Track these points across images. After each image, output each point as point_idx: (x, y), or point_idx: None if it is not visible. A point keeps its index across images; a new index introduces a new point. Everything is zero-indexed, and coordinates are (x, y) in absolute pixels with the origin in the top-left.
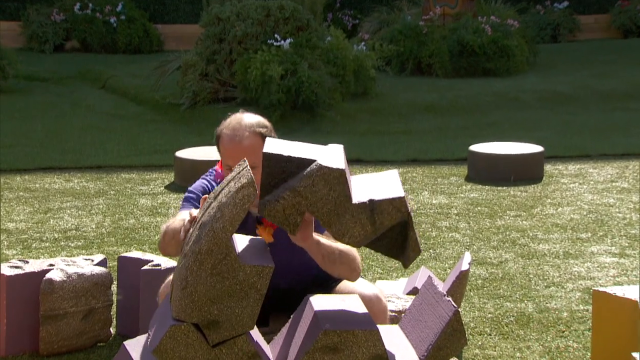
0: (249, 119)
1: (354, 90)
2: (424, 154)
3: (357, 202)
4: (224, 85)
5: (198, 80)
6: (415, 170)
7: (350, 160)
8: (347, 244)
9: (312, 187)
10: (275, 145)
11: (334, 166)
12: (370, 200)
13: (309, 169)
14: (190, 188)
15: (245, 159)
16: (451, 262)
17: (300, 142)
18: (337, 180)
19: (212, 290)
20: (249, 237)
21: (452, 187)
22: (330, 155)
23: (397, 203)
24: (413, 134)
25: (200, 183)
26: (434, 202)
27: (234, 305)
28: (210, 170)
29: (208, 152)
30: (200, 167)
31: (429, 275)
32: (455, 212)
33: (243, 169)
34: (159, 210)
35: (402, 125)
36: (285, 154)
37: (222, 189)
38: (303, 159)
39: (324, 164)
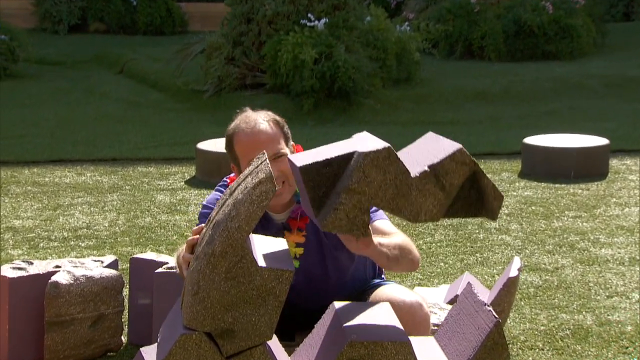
0: (259, 112)
1: (396, 76)
2: (472, 147)
3: (417, 174)
4: (252, 70)
5: (223, 64)
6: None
7: None
8: (425, 221)
9: (366, 179)
10: (303, 157)
11: (378, 147)
12: (431, 166)
13: (353, 162)
14: (204, 202)
15: (264, 151)
16: (500, 267)
17: (330, 138)
18: (387, 160)
19: (227, 296)
20: (268, 237)
21: (504, 184)
22: (364, 141)
23: (459, 157)
24: (461, 124)
25: (214, 196)
26: None
27: (250, 313)
28: (224, 179)
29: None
30: (224, 161)
31: (468, 282)
32: (506, 212)
33: (261, 162)
34: (178, 208)
35: (450, 114)
36: (321, 158)
37: (239, 185)
38: (342, 155)
39: (366, 149)
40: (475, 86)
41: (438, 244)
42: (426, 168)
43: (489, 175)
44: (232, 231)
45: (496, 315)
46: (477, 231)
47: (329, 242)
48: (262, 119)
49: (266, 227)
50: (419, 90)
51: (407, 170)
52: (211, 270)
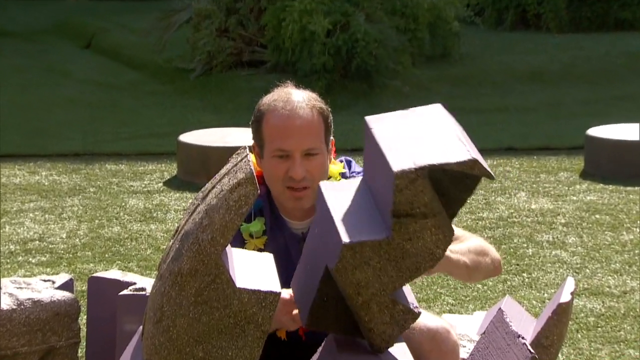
0: (303, 92)
1: (430, 52)
2: (523, 140)
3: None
4: (250, 44)
5: (215, 37)
6: (511, 163)
7: None
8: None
9: (413, 197)
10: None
11: (405, 165)
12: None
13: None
14: None
15: (246, 147)
16: (552, 291)
17: (346, 129)
18: (416, 176)
19: (197, 325)
20: (249, 252)
21: (561, 186)
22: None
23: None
24: (510, 111)
25: None
26: (533, 206)
27: (226, 346)
28: None
29: (226, 136)
30: (214, 157)
31: (499, 309)
32: (563, 221)
33: (241, 159)
34: (155, 215)
35: (496, 99)
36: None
37: (213, 187)
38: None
39: (396, 168)
40: (529, 64)
41: None
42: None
43: (542, 176)
44: (203, 244)
45: (532, 350)
46: (525, 245)
47: None
48: (304, 102)
49: (279, 236)
50: (458, 69)
51: (441, 163)
52: (178, 292)
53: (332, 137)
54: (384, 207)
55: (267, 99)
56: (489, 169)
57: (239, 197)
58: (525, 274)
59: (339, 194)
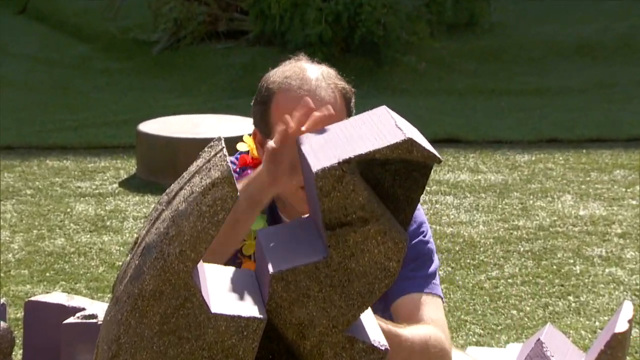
0: (320, 67)
1: (452, 20)
2: (568, 131)
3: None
4: (227, 10)
5: (183, 1)
6: (553, 158)
7: (439, 141)
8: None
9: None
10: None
11: (326, 163)
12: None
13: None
14: None
15: (221, 138)
16: (606, 318)
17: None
18: (342, 173)
19: (162, 359)
20: (227, 268)
21: (617, 187)
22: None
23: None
24: (552, 94)
25: None
26: (581, 213)
27: None
28: (235, 156)
29: (198, 125)
30: (183, 152)
31: (538, 340)
32: (619, 231)
33: (216, 153)
34: (108, 224)
35: (534, 79)
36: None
37: (181, 188)
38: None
39: (316, 167)
40: (575, 35)
41: (509, 280)
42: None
43: (592, 175)
44: (170, 260)
45: None
46: (572, 261)
47: None
48: (324, 81)
49: None
50: (487, 41)
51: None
52: (138, 320)
53: None
54: (318, 221)
55: (277, 76)
56: (432, 150)
57: (213, 201)
58: (571, 297)
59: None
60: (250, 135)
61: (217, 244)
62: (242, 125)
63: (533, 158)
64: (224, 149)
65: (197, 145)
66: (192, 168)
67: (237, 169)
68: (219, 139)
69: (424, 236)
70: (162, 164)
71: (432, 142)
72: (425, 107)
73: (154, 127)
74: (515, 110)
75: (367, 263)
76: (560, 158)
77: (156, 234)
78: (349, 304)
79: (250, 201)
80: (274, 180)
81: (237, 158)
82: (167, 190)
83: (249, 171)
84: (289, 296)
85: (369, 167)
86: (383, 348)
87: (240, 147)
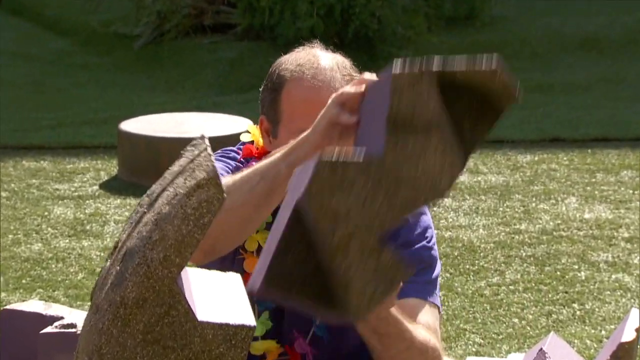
0: (334, 56)
1: (451, 13)
2: (573, 129)
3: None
4: (213, 2)
5: None
6: (557, 158)
7: None
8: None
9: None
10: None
11: (406, 67)
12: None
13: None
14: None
15: (204, 136)
16: (612, 326)
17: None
18: (420, 76)
19: None
20: (214, 273)
21: (624, 189)
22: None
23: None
24: (556, 91)
25: (219, 165)
26: (587, 216)
27: None
28: (237, 146)
29: (182, 123)
30: (166, 152)
31: (540, 349)
32: (627, 235)
33: (200, 153)
34: (88, 228)
35: (537, 75)
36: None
37: (164, 189)
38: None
39: (396, 69)
40: (580, 29)
41: (511, 287)
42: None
43: (598, 176)
44: (153, 265)
45: None
46: (576, 266)
47: None
48: (339, 72)
49: None
50: (487, 36)
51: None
52: (121, 329)
53: None
54: (378, 118)
55: (289, 63)
56: (514, 83)
57: (199, 204)
58: (576, 305)
59: None
60: (254, 125)
61: (244, 217)
62: (229, 124)
63: (536, 158)
64: (208, 148)
65: (182, 146)
66: (175, 168)
67: (242, 159)
68: (202, 137)
69: (428, 242)
70: (144, 164)
71: None
72: None
73: (136, 126)
74: (517, 108)
75: (419, 173)
76: (564, 158)
77: (138, 238)
78: (390, 208)
79: (289, 161)
80: (330, 142)
81: (239, 148)
82: (148, 192)
83: (253, 162)
84: (334, 180)
85: (446, 89)
86: (409, 270)
87: (244, 137)
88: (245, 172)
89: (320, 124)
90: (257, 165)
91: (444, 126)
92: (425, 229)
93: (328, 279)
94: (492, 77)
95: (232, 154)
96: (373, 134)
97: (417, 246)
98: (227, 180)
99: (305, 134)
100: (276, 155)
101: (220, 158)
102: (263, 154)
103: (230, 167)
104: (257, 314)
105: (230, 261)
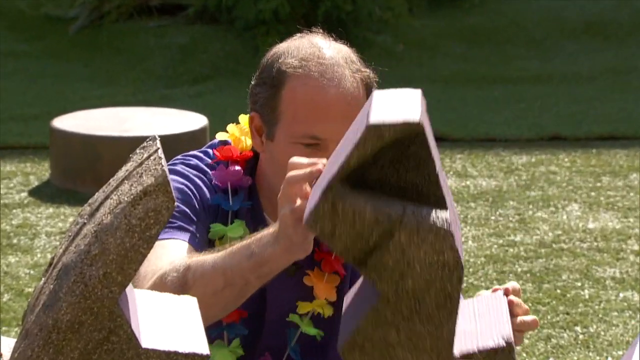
0: (338, 47)
1: None
2: (575, 126)
3: None
4: None
5: None
6: (557, 159)
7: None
8: None
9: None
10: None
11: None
12: None
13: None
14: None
15: (156, 137)
16: (620, 352)
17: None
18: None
19: None
20: (164, 294)
21: (633, 194)
22: None
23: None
24: (555, 82)
25: (174, 183)
26: (591, 226)
27: None
28: (207, 147)
29: (126, 120)
30: (107, 153)
31: None
32: (637, 247)
33: (149, 155)
34: (16, 241)
35: (535, 64)
36: None
37: (107, 197)
38: None
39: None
40: (584, 12)
41: None
42: None
43: (603, 179)
44: (92, 284)
45: None
46: (579, 284)
47: None
48: (348, 68)
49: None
50: (477, 19)
51: None
52: (53, 356)
53: None
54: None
55: (291, 56)
56: (406, 119)
57: (145, 213)
58: (578, 328)
59: None
60: (235, 124)
61: (212, 316)
62: (180, 121)
63: (533, 160)
64: (160, 150)
65: (125, 146)
66: (121, 173)
67: (214, 162)
68: (154, 138)
69: None
70: (81, 168)
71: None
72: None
73: (71, 123)
74: (511, 101)
75: (422, 274)
76: (566, 159)
77: (75, 253)
78: (433, 326)
79: (260, 273)
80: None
81: (212, 147)
82: (90, 200)
83: (235, 167)
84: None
85: (359, 177)
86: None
87: (221, 136)
88: (206, 262)
89: (286, 227)
90: (218, 261)
91: (399, 215)
92: None
93: None
94: (378, 134)
95: (194, 162)
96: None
97: None
98: (183, 266)
99: (272, 238)
100: (242, 256)
101: (177, 168)
102: (246, 158)
103: (190, 185)
104: (227, 341)
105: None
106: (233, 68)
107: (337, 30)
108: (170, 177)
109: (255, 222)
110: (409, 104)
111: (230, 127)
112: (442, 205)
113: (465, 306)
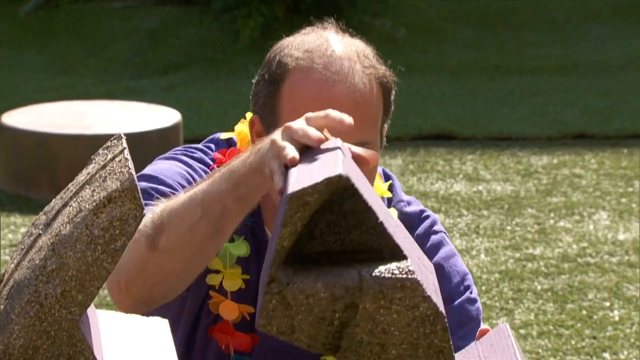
0: (352, 42)
1: None
2: (603, 122)
3: None
4: None
5: None
6: (582, 161)
7: (424, 137)
8: None
9: None
10: None
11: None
12: None
13: None
14: (154, 173)
15: (122, 135)
16: None
17: None
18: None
19: None
20: (131, 317)
21: None
22: None
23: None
24: (580, 72)
25: (177, 168)
26: (621, 237)
27: None
28: (207, 143)
29: (87, 116)
30: (65, 154)
31: None
32: None
33: (114, 157)
34: None
35: (556, 52)
36: None
37: (66, 204)
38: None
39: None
40: None
41: (522, 330)
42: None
43: (638, 183)
44: (49, 303)
45: None
46: (608, 303)
47: None
48: (358, 62)
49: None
50: (488, 0)
51: None
52: None
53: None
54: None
55: (295, 47)
56: (320, 179)
57: (109, 223)
58: (607, 354)
59: None
60: (245, 120)
61: (187, 260)
62: (149, 117)
63: (554, 161)
64: (126, 151)
65: (86, 145)
66: (81, 177)
67: (215, 166)
68: (119, 136)
69: (471, 292)
70: (35, 171)
71: (415, 139)
72: (405, 90)
73: (23, 119)
74: (529, 95)
75: (403, 337)
76: (592, 161)
77: (29, 268)
78: None
79: (238, 195)
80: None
81: (212, 142)
82: (46, 208)
83: None
84: None
85: (300, 254)
86: None
87: (225, 135)
88: (182, 197)
89: (266, 145)
90: (195, 190)
91: (355, 283)
92: (464, 276)
93: None
94: (301, 202)
95: (199, 154)
96: None
97: (459, 300)
98: (159, 208)
99: (247, 155)
100: (220, 177)
101: (181, 158)
102: None
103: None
104: None
105: (198, 302)
106: (209, 56)
107: (330, 12)
108: (173, 164)
109: (257, 240)
110: (328, 160)
111: (239, 126)
112: (398, 255)
113: (469, 354)
